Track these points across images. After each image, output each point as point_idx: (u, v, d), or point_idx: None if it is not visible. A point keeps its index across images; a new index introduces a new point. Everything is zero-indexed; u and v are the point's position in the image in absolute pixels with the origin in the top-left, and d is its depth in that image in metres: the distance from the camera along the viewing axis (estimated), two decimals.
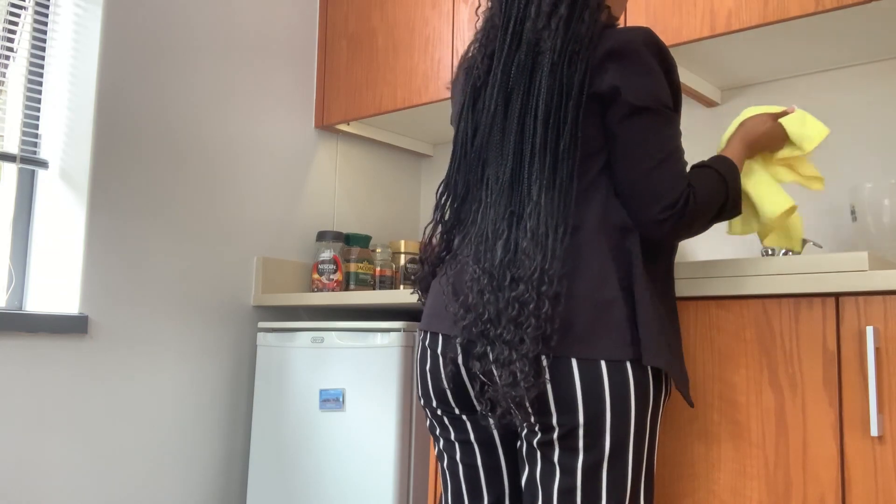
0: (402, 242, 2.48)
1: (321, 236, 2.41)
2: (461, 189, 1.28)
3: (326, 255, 2.36)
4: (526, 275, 1.12)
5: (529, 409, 1.14)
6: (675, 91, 1.23)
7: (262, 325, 2.23)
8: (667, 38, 1.80)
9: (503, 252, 1.16)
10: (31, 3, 2.07)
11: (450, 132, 2.62)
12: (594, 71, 1.17)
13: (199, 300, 2.21)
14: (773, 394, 1.31)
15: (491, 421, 1.20)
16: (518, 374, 1.11)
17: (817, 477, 1.26)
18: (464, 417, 1.29)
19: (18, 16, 2.06)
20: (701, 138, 2.18)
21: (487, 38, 1.28)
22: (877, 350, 1.22)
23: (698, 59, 1.95)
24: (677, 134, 1.22)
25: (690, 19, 1.77)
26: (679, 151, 1.22)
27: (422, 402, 1.34)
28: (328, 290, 2.34)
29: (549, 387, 1.14)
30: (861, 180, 1.91)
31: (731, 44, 1.83)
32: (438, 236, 1.33)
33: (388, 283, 2.42)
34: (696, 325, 1.39)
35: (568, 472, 1.15)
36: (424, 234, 1.36)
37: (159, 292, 2.13)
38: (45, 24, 2.11)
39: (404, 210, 2.79)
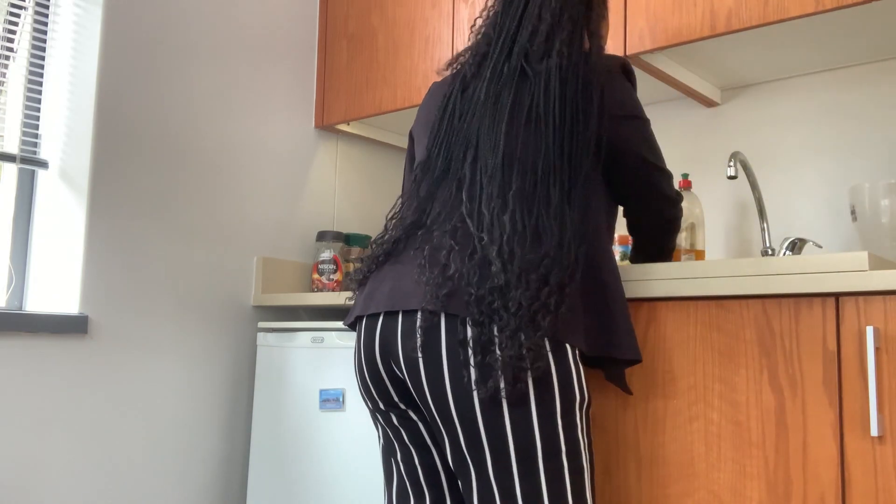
0: None
1: (321, 236, 2.41)
2: (441, 168, 1.34)
3: (326, 255, 2.36)
4: (549, 264, 1.19)
5: (531, 386, 1.16)
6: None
7: (262, 325, 2.23)
8: (667, 38, 1.80)
9: (511, 227, 1.20)
10: (31, 3, 2.07)
11: None
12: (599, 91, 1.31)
13: (199, 300, 2.22)
14: (773, 394, 1.31)
15: (479, 392, 1.17)
16: (524, 350, 1.14)
17: (817, 477, 1.26)
18: (394, 422, 1.33)
19: (18, 16, 2.06)
20: (701, 138, 2.19)
21: (478, 45, 1.42)
22: (877, 350, 1.22)
23: (698, 59, 1.95)
24: None
25: (690, 19, 1.77)
26: None
27: (363, 395, 1.36)
28: (328, 290, 2.34)
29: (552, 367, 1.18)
30: (861, 180, 1.91)
31: (731, 44, 1.84)
32: (412, 213, 1.35)
33: None
34: (696, 325, 1.39)
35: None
36: (395, 207, 1.40)
37: (159, 292, 2.13)
38: (45, 24, 2.11)
39: None
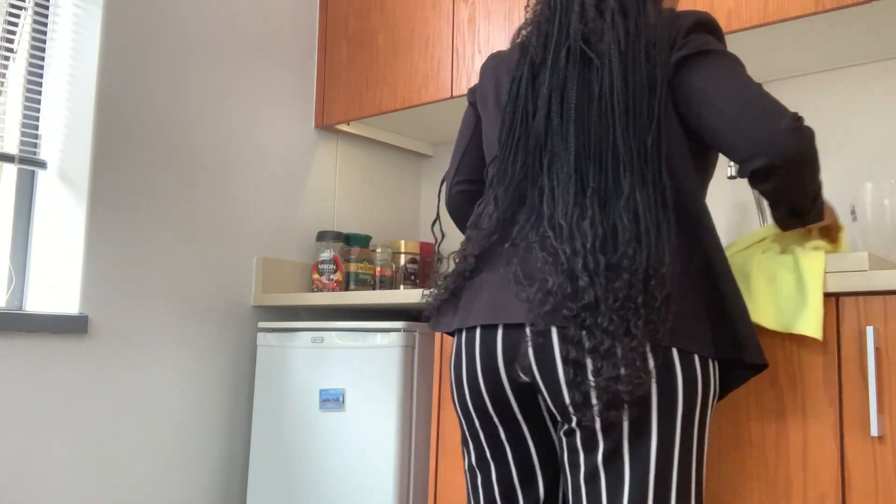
0: (402, 242, 2.48)
1: (321, 236, 2.41)
2: (519, 175, 1.22)
3: (326, 255, 2.36)
4: (628, 265, 1.08)
5: (628, 408, 1.08)
6: None
7: (262, 325, 2.23)
8: None
9: (592, 234, 1.10)
10: (31, 3, 2.07)
11: (450, 131, 2.62)
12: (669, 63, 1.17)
13: (199, 300, 2.21)
14: (773, 394, 1.31)
15: (576, 416, 1.10)
16: (623, 369, 1.05)
17: (817, 477, 1.26)
18: (502, 436, 1.23)
19: (18, 16, 2.06)
20: None
21: (538, 23, 1.26)
22: (877, 350, 1.22)
23: None
24: None
25: None
26: None
27: (467, 407, 1.24)
28: (328, 290, 2.34)
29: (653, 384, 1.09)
30: (861, 180, 1.91)
31: (731, 44, 1.83)
32: (494, 224, 1.23)
33: (388, 283, 2.42)
34: None
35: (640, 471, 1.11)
36: (478, 215, 1.26)
37: (159, 292, 2.13)
38: (45, 24, 2.11)
39: (404, 210, 2.79)
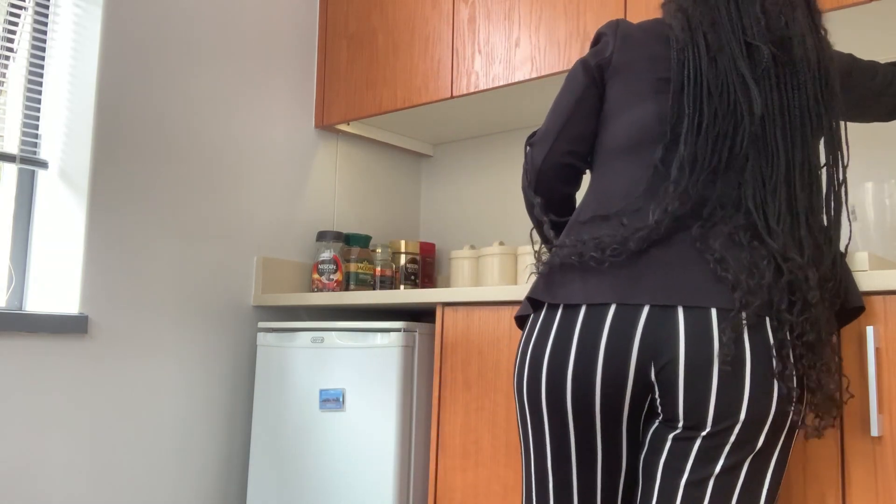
0: (402, 242, 2.49)
1: (321, 236, 2.41)
2: (711, 155, 1.16)
3: (326, 255, 2.36)
4: (833, 287, 1.15)
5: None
6: None
7: (262, 325, 2.23)
8: None
9: (807, 246, 1.13)
10: (31, 3, 2.07)
11: (450, 131, 2.62)
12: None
13: (199, 300, 2.21)
14: None
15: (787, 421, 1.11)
16: (829, 365, 1.11)
17: (817, 477, 1.26)
18: (597, 442, 1.15)
19: (18, 16, 2.06)
20: None
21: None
22: (877, 350, 1.22)
23: None
24: None
25: None
26: None
27: (570, 401, 1.14)
28: (328, 290, 2.34)
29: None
30: (861, 180, 1.91)
31: None
32: (678, 201, 1.14)
33: (388, 283, 2.42)
34: None
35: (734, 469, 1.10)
36: (667, 179, 1.16)
37: (159, 292, 2.13)
38: (45, 24, 2.11)
39: (404, 210, 2.79)
